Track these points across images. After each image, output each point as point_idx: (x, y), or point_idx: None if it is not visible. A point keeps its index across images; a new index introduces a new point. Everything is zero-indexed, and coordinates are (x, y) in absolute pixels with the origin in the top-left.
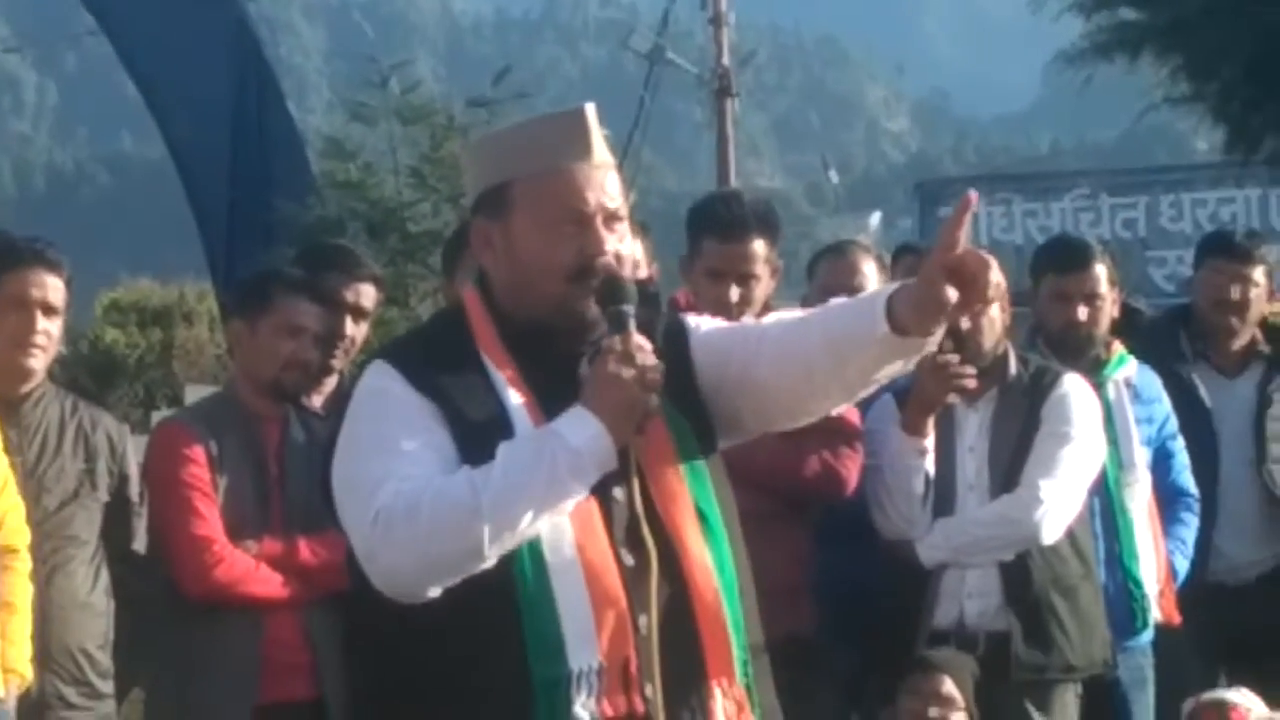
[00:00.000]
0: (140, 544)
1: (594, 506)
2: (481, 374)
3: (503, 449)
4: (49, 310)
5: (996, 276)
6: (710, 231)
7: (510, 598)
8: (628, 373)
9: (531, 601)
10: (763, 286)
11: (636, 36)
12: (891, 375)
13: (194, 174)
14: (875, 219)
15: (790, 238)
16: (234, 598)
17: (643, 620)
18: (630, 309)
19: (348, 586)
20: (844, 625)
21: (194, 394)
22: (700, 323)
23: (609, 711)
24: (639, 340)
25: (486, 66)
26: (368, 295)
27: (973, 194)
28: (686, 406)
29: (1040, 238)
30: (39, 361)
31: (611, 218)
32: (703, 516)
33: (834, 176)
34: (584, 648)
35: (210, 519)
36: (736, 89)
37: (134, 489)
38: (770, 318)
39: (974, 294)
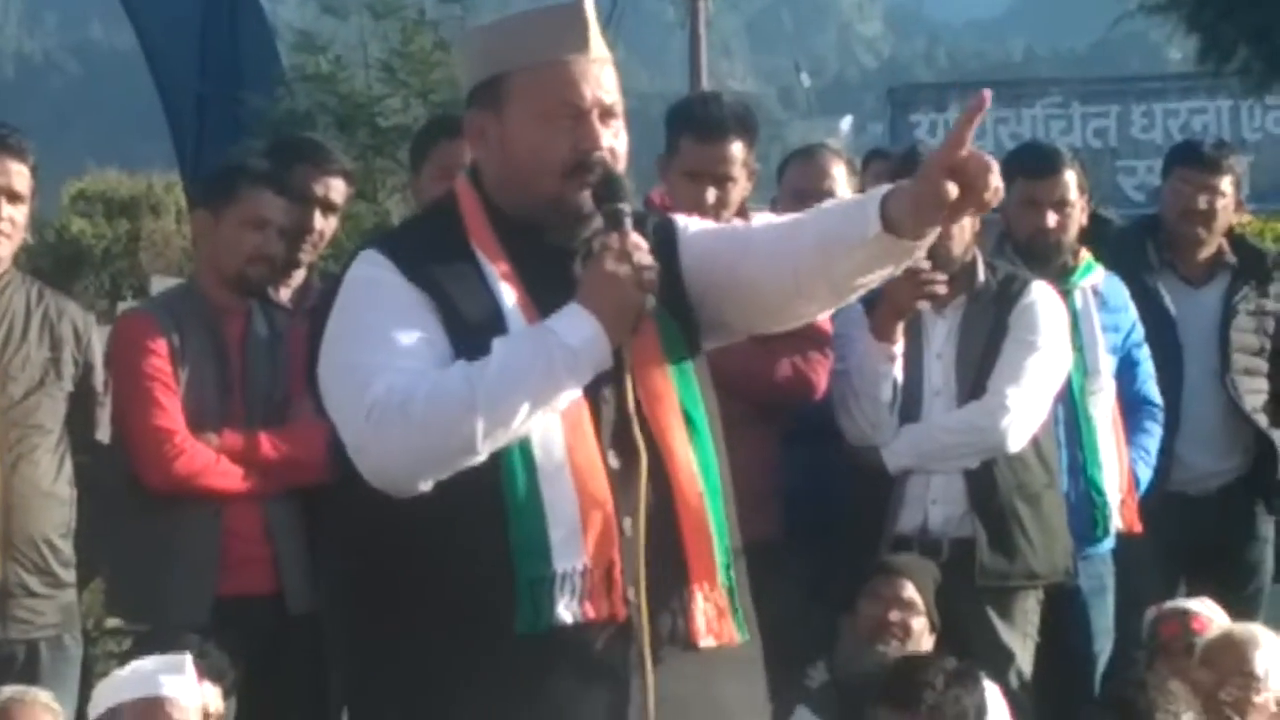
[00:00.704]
0: (104, 434)
1: (583, 407)
2: (474, 266)
3: (498, 345)
4: (13, 197)
5: (997, 181)
6: (689, 132)
7: (498, 497)
8: (625, 272)
9: (519, 502)
10: (739, 189)
11: None
12: (880, 280)
13: (163, 65)
14: (846, 123)
15: (761, 140)
16: (194, 490)
17: (628, 523)
18: (627, 207)
19: (327, 478)
20: (805, 526)
21: (160, 285)
22: (689, 223)
23: (591, 613)
24: (636, 239)
25: None
26: (337, 189)
27: (986, 93)
28: (673, 307)
29: (1011, 145)
30: (3, 248)
31: (607, 113)
32: (689, 419)
33: (806, 80)
34: (569, 549)
35: (171, 411)
36: None
37: (98, 379)
38: (758, 219)
39: (973, 196)
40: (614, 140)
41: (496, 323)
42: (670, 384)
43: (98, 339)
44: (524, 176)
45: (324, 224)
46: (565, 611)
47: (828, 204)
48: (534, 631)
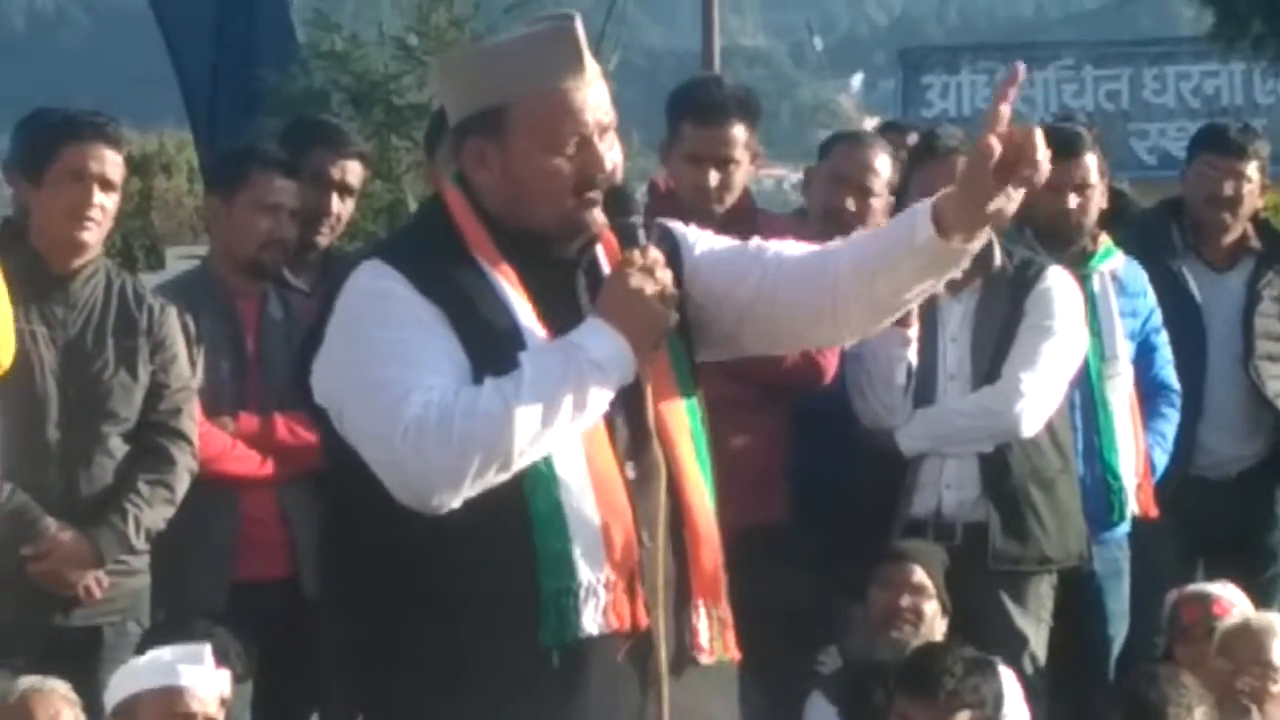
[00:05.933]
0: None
1: (599, 420)
2: (480, 277)
3: (527, 361)
4: (106, 185)
5: (1044, 150)
6: (689, 116)
7: (522, 511)
8: (650, 288)
9: (543, 515)
10: (742, 172)
11: None
12: (920, 296)
13: (178, 34)
14: (857, 80)
15: (772, 96)
16: (211, 474)
17: (646, 534)
18: (639, 220)
19: (342, 490)
20: (816, 510)
21: (176, 259)
22: (693, 236)
23: (615, 624)
24: (655, 255)
25: None
26: (354, 172)
27: (1020, 66)
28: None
29: (1023, 108)
30: (93, 235)
31: (604, 130)
32: (693, 436)
33: (818, 44)
34: (592, 561)
35: None
36: None
37: (176, 364)
38: (785, 244)
39: (1024, 164)
40: (612, 154)
41: (513, 334)
42: (680, 400)
43: (174, 325)
44: (530, 200)
45: (341, 207)
46: (590, 622)
47: (859, 233)
48: (559, 643)
